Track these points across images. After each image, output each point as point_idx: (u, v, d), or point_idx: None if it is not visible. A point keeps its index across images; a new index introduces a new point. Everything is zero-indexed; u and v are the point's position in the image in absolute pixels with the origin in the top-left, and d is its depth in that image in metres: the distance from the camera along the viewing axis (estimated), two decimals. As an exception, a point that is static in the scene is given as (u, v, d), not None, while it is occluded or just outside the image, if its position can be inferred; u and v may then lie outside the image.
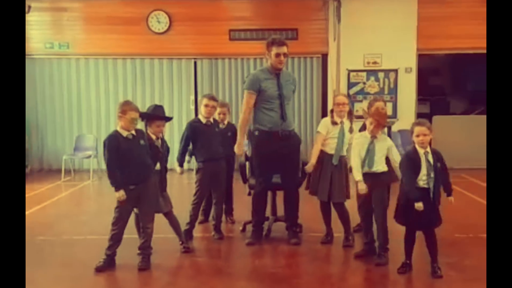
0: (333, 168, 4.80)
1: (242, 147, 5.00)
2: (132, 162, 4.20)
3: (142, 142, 4.30)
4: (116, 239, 4.31)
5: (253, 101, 4.83)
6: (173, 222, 4.80)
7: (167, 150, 4.79)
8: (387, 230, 4.39)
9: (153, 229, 4.45)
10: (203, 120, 5.24)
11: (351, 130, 4.86)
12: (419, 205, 3.93)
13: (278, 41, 4.78)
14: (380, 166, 4.40)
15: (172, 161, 5.20)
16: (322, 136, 4.86)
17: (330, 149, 4.83)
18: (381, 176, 4.40)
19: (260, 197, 5.00)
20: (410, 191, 3.99)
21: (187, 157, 5.37)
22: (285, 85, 4.87)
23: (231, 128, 5.72)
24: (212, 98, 5.33)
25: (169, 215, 4.77)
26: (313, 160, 4.86)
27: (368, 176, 4.38)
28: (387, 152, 4.44)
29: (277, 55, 4.74)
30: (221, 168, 5.25)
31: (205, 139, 5.17)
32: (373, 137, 4.40)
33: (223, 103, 5.97)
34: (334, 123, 4.85)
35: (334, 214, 4.98)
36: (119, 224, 4.28)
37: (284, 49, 4.76)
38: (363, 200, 4.45)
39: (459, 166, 8.84)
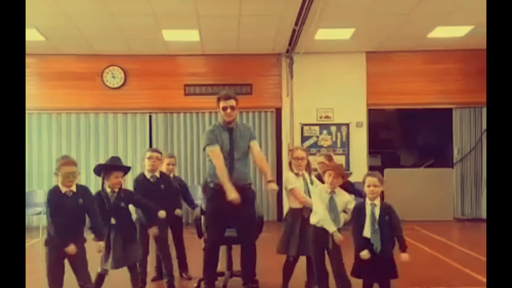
0: (305, 221, 4.69)
1: (234, 191, 4.63)
2: (64, 220, 4.04)
3: (80, 200, 4.14)
4: None
5: (219, 152, 4.76)
6: (134, 277, 4.66)
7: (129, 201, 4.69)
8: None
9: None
10: (148, 175, 5.25)
11: (311, 182, 4.87)
12: (363, 254, 3.98)
13: (224, 95, 4.86)
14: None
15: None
16: (299, 189, 4.81)
17: (298, 203, 4.80)
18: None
19: (211, 251, 4.89)
20: (355, 240, 4.07)
21: None
22: (239, 139, 4.88)
23: (179, 181, 5.87)
24: (155, 150, 5.42)
25: (133, 269, 4.65)
26: (309, 200, 4.69)
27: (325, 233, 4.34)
28: (344, 207, 4.40)
29: (224, 108, 4.80)
30: (161, 224, 5.09)
31: (148, 197, 5.02)
32: (332, 192, 4.37)
33: (171, 154, 6.05)
34: (296, 174, 4.86)
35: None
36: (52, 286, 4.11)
37: (230, 102, 4.80)
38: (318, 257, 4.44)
39: (410, 218, 9.04)
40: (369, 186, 4.09)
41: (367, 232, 4.03)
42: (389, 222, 4.06)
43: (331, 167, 4.49)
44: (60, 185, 4.12)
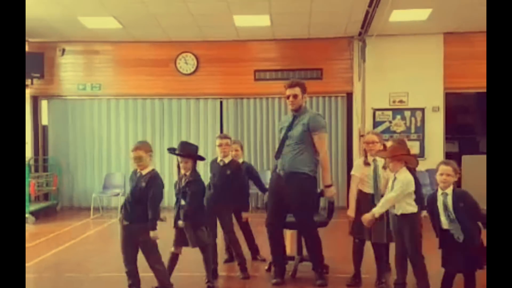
0: (366, 206, 4.58)
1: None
2: (130, 200, 4.33)
3: (143, 184, 4.27)
4: (131, 276, 4.40)
5: None
6: (206, 258, 4.76)
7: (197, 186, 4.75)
8: (426, 273, 4.21)
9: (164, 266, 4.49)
10: (219, 159, 5.37)
11: (385, 167, 4.65)
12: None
13: (288, 84, 4.93)
14: (401, 209, 4.23)
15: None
16: (357, 179, 4.76)
17: (369, 188, 4.71)
18: (408, 217, 4.23)
19: (271, 234, 4.96)
20: (435, 231, 4.00)
21: None
22: (295, 126, 4.87)
23: (247, 167, 5.95)
24: (223, 136, 5.47)
25: (205, 250, 4.73)
26: (351, 204, 4.71)
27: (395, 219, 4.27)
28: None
29: (287, 96, 4.90)
30: (223, 208, 5.25)
31: (216, 179, 5.25)
32: (395, 178, 4.27)
33: (235, 140, 6.13)
34: (366, 163, 4.74)
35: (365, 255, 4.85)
36: (125, 261, 4.41)
37: (292, 91, 4.84)
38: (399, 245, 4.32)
39: (490, 206, 8.60)
40: (441, 174, 3.95)
41: (445, 224, 3.91)
42: (464, 208, 3.89)
43: (381, 153, 4.46)
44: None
